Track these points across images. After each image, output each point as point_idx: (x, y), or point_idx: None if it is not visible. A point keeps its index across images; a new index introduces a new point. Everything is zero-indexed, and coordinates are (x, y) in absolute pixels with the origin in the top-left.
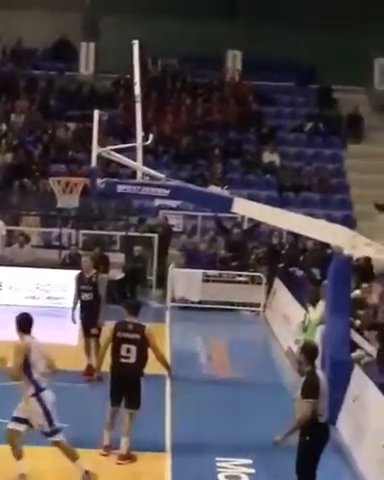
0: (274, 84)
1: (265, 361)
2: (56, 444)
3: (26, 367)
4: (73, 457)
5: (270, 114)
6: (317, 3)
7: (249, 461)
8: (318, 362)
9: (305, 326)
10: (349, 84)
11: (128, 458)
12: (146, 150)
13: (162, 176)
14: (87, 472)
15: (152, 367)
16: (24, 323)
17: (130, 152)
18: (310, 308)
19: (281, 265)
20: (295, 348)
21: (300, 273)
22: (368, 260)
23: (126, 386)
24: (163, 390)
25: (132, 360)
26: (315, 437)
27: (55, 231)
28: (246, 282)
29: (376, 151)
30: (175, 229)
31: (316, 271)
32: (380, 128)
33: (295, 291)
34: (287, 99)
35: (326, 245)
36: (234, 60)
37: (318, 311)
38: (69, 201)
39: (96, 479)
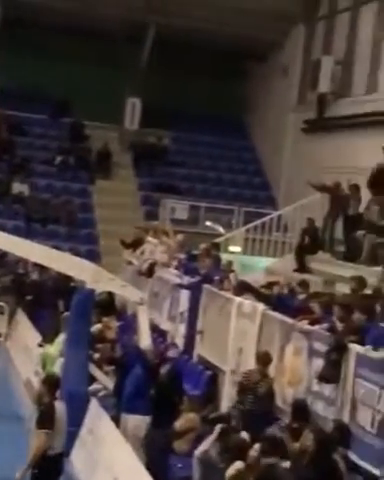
0: (27, 115)
1: (3, 391)
2: None
3: None
4: None
5: (22, 144)
6: (76, 39)
7: None
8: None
9: (43, 359)
10: (101, 121)
11: None
12: None
13: None
14: None
15: None
16: None
17: None
18: (47, 345)
19: (28, 297)
20: (35, 379)
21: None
22: (110, 295)
23: None
24: None
25: None
26: (44, 470)
27: None
28: None
29: (123, 188)
30: None
31: (60, 303)
32: (128, 166)
33: (37, 322)
34: (39, 131)
35: (70, 278)
36: None
37: (58, 344)
38: None
39: None
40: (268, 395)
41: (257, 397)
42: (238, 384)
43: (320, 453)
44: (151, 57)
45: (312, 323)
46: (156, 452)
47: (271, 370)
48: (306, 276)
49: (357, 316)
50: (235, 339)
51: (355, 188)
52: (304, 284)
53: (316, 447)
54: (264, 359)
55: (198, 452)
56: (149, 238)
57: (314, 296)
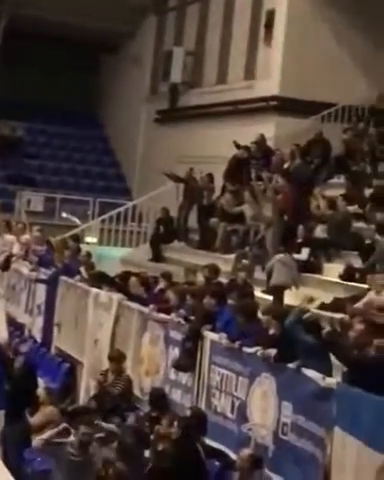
0: None
1: None
2: None
3: None
4: None
5: None
6: None
7: None
8: None
9: None
10: None
11: None
12: None
13: None
14: None
15: None
16: None
17: None
18: None
19: None
20: None
21: None
22: None
23: None
24: None
25: None
26: None
27: None
28: None
29: None
30: None
31: None
32: None
33: None
34: None
35: None
36: None
37: None
38: None
39: None
40: (125, 392)
41: (115, 396)
42: (96, 385)
43: (184, 439)
44: (4, 48)
45: (168, 312)
46: (13, 447)
47: (128, 360)
48: (161, 265)
49: (207, 300)
50: (92, 330)
51: (208, 177)
52: (166, 275)
53: (181, 434)
54: (117, 357)
55: (35, 442)
56: (5, 233)
57: (172, 286)
